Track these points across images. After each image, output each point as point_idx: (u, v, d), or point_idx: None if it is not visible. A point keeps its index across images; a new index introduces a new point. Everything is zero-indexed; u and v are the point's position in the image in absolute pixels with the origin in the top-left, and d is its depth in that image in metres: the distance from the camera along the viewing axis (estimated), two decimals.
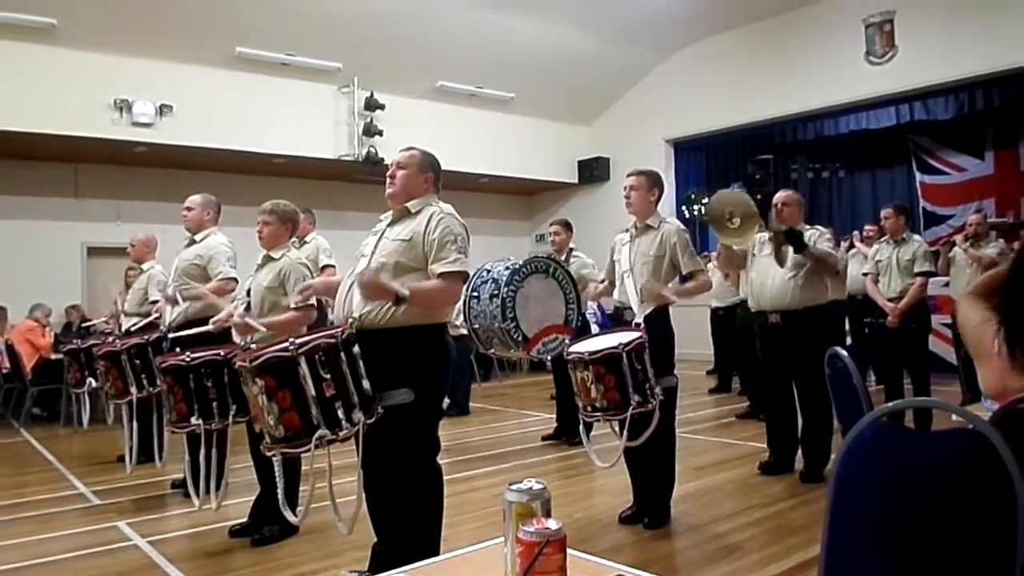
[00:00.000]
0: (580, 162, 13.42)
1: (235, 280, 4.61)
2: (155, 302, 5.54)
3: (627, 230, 4.19)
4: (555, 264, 3.53)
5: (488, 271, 3.46)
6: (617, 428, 3.67)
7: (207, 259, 4.62)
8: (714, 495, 4.58)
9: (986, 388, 1.87)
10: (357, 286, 2.83)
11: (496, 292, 3.18)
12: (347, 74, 10.37)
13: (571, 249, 6.27)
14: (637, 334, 3.63)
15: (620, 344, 3.53)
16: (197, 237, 4.73)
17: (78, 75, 8.52)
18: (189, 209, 4.77)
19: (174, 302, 4.55)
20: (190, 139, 9.27)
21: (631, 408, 3.50)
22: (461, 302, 3.41)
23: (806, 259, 4.68)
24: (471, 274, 3.32)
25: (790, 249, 4.66)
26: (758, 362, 5.18)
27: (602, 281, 4.38)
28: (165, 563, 3.62)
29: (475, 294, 3.32)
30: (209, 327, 3.96)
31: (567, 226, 6.35)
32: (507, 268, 3.29)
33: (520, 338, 3.26)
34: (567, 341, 3.68)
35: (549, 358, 3.97)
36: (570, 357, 3.64)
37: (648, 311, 3.84)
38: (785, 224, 4.71)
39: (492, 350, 3.55)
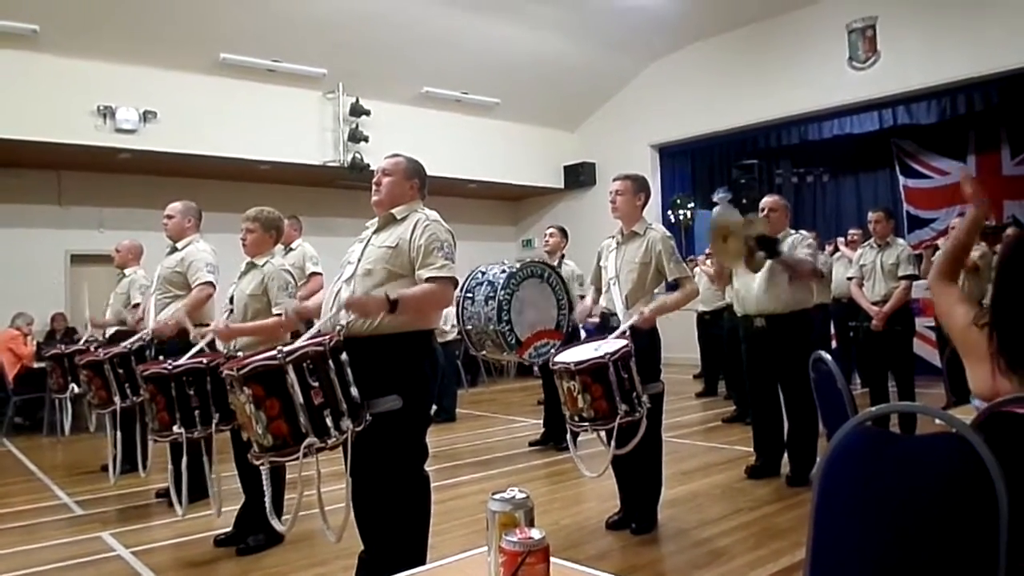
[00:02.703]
0: (566, 167, 13.44)
1: (212, 286, 4.59)
2: (136, 306, 5.51)
3: (613, 236, 4.20)
4: (550, 269, 3.53)
5: (483, 273, 3.45)
6: (604, 437, 3.66)
7: (187, 266, 4.60)
8: (701, 499, 4.58)
9: (977, 389, 1.89)
10: (348, 309, 2.80)
11: (492, 294, 3.18)
12: (332, 80, 10.35)
13: (563, 256, 6.36)
14: (623, 343, 3.62)
15: (606, 354, 3.52)
16: (179, 245, 4.71)
17: (61, 81, 8.46)
18: (169, 217, 4.75)
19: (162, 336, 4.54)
20: (174, 146, 9.22)
21: (619, 418, 3.49)
22: (454, 303, 3.40)
23: (779, 266, 4.68)
24: (464, 276, 3.31)
25: (764, 255, 4.67)
26: (743, 366, 5.20)
27: (582, 297, 4.38)
28: (149, 574, 3.60)
29: (469, 295, 3.32)
30: (199, 346, 3.94)
31: (563, 232, 6.54)
32: (503, 271, 3.29)
33: (514, 341, 3.26)
34: (557, 346, 3.67)
35: (539, 363, 3.96)
36: (556, 367, 3.62)
37: (633, 319, 3.84)
38: (766, 230, 4.72)
39: (483, 352, 3.54)
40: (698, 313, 8.37)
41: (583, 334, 3.98)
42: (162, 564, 3.73)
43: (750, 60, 11.10)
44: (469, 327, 3.15)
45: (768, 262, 4.69)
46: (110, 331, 5.77)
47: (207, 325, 4.23)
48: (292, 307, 3.53)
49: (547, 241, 6.46)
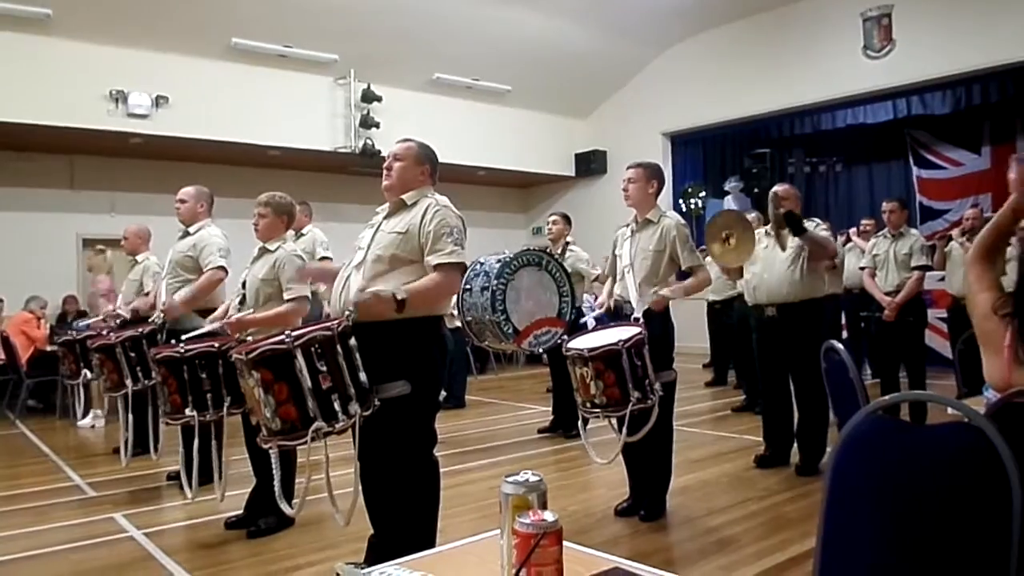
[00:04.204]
0: (577, 155, 13.38)
1: (224, 270, 4.61)
2: (147, 294, 5.53)
3: (628, 224, 4.18)
4: (547, 256, 3.52)
5: (481, 264, 3.45)
6: (616, 424, 3.66)
7: (200, 250, 4.62)
8: (710, 488, 4.59)
9: (991, 379, 1.88)
10: (355, 310, 2.80)
11: (487, 285, 3.18)
12: (344, 66, 10.33)
13: (568, 243, 6.30)
14: (636, 330, 3.62)
15: (620, 340, 3.51)
16: (191, 229, 4.73)
17: (73, 66, 8.47)
18: (182, 201, 4.77)
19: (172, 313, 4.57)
20: (186, 131, 9.23)
21: (631, 405, 3.49)
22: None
23: (805, 243, 4.68)
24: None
25: (789, 233, 4.67)
26: (754, 355, 5.18)
27: (595, 279, 4.37)
28: (161, 555, 3.62)
29: (468, 287, 3.32)
30: (206, 327, 3.95)
31: (566, 219, 6.44)
32: (498, 261, 3.29)
33: (511, 331, 3.25)
34: (560, 334, 3.67)
35: (541, 351, 3.96)
36: (569, 353, 3.62)
37: (647, 306, 3.84)
38: (784, 208, 4.72)
39: (486, 342, 3.54)
40: (708, 302, 8.33)
41: (592, 323, 3.96)
42: (173, 546, 3.76)
43: (763, 48, 11.01)
44: (469, 318, 3.15)
45: (791, 242, 4.69)
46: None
47: (215, 310, 4.25)
48: (298, 270, 3.58)
49: (550, 229, 6.38)
